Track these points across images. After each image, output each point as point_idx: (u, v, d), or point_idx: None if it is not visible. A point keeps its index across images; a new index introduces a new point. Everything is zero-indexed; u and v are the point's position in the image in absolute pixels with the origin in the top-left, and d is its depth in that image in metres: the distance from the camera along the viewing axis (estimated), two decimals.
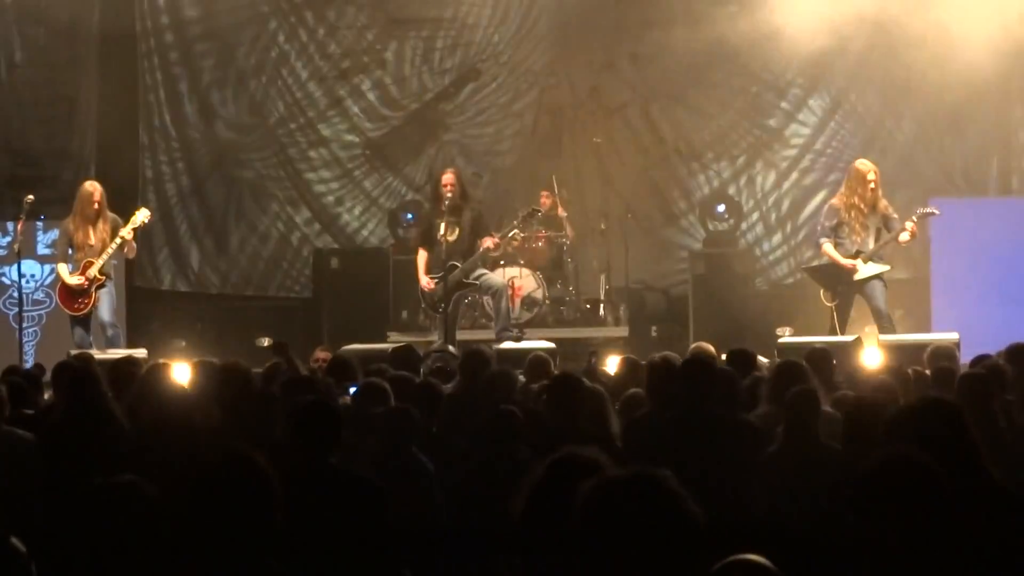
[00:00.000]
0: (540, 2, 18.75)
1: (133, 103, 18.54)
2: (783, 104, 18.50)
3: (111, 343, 14.08)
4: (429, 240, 14.75)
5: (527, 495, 4.26)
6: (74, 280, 14.16)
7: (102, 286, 14.23)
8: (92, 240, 14.16)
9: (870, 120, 18.22)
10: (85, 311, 14.23)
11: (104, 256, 14.14)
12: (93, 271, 14.13)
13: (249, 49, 18.83)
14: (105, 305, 14.25)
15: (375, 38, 19.02)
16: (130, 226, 14.23)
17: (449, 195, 14.54)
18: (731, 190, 18.37)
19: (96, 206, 14.18)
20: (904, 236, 14.02)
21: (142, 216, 14.38)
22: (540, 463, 4.24)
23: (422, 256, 14.84)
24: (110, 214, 14.31)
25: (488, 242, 14.62)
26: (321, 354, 12.72)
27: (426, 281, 14.67)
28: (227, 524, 4.26)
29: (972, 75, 16.42)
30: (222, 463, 4.43)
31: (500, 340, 14.23)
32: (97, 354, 12.62)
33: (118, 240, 14.08)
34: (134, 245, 14.31)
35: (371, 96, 19.06)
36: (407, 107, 19.07)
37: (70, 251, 14.33)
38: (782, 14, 16.45)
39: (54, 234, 16.66)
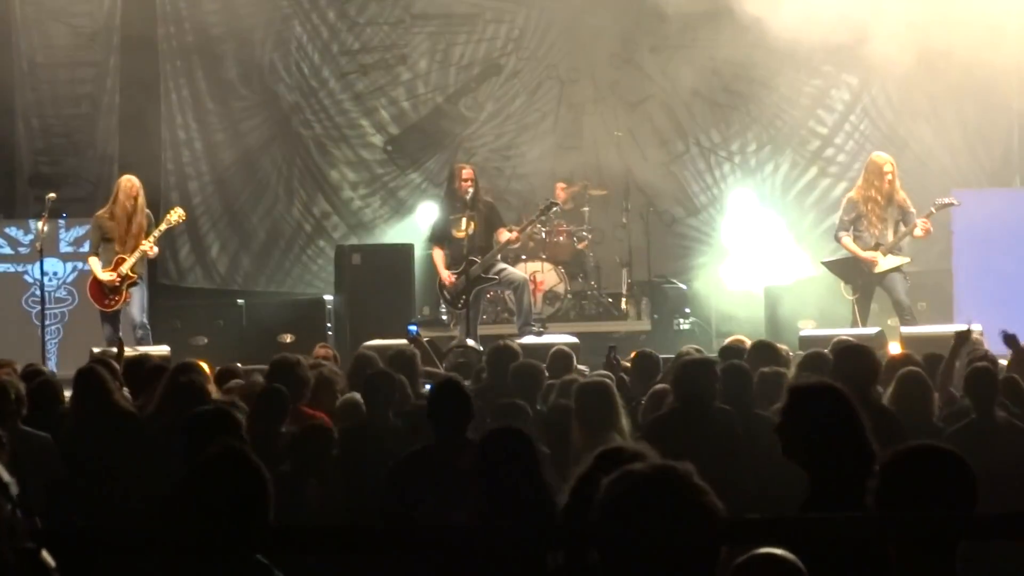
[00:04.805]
0: None
1: (155, 102, 18.55)
2: (803, 99, 18.45)
3: (140, 343, 14.09)
4: (446, 236, 14.73)
5: (573, 486, 4.28)
6: (106, 276, 14.18)
7: (134, 284, 14.26)
8: (127, 235, 14.20)
9: (889, 114, 18.17)
10: (116, 308, 14.26)
11: (137, 254, 14.16)
12: (125, 268, 14.15)
13: (270, 48, 18.85)
14: (136, 304, 14.28)
15: (397, 34, 19.04)
16: (164, 225, 14.30)
17: (469, 190, 14.53)
18: (752, 184, 18.33)
19: (134, 201, 14.24)
20: (917, 232, 14.06)
21: (176, 216, 14.43)
22: (589, 455, 4.25)
23: (439, 252, 14.83)
24: (145, 210, 14.36)
25: (506, 235, 14.61)
26: (321, 351, 12.61)
27: (447, 275, 14.67)
28: (218, 517, 4.27)
29: (994, 67, 16.34)
30: (214, 458, 4.44)
31: (522, 335, 14.20)
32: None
33: (148, 241, 14.11)
34: (155, 249, 14.33)
35: (392, 92, 19.07)
36: (428, 102, 19.08)
37: (102, 245, 14.36)
38: (801, 9, 16.38)
39: (76, 232, 16.68)
